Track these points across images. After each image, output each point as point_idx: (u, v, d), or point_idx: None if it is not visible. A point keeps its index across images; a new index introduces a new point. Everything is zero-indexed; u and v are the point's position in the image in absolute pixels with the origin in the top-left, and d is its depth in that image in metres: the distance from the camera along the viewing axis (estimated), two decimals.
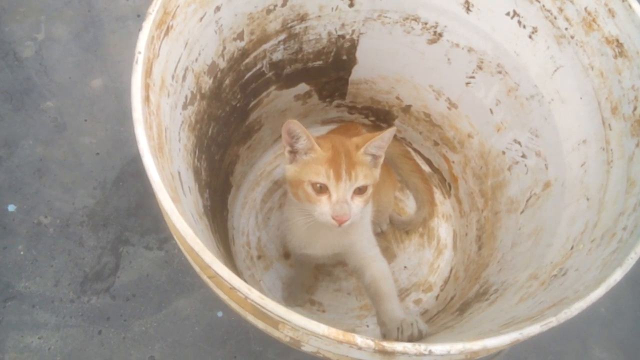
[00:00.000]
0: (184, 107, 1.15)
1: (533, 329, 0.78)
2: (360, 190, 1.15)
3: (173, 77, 1.06)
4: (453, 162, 1.78)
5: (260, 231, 1.85)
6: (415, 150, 1.94)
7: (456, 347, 0.75)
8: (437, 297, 1.79)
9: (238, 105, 1.48)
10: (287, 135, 1.16)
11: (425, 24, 1.40)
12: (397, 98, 1.74)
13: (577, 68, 1.16)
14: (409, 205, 1.92)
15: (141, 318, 1.78)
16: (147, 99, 0.90)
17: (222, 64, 1.28)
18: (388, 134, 1.15)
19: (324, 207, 1.13)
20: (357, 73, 1.65)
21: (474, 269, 1.60)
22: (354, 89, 1.74)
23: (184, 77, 1.12)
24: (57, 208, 1.90)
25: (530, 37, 1.24)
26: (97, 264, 1.83)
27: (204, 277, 0.95)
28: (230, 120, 1.48)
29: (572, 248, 1.07)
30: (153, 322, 1.78)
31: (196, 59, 1.15)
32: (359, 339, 0.74)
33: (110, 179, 1.95)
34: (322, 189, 1.14)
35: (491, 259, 1.50)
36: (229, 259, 1.70)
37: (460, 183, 1.79)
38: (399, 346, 0.74)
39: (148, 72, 0.91)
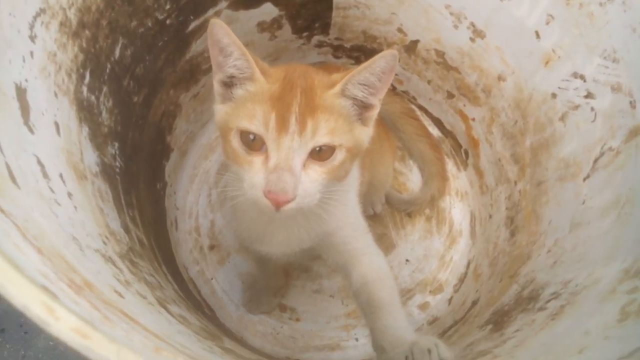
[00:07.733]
0: None
1: None
2: (321, 155, 0.69)
3: None
4: (473, 119, 1.32)
5: (214, 213, 1.40)
6: (420, 107, 1.47)
7: None
8: (449, 300, 1.34)
9: (169, 21, 1.01)
10: (215, 47, 0.69)
11: None
12: (400, 30, 1.27)
13: None
14: (412, 180, 1.46)
15: None
16: None
17: None
18: (382, 60, 0.69)
19: (255, 176, 0.68)
20: None
21: (507, 264, 1.14)
22: (341, 18, 1.27)
23: None
24: None
25: None
26: None
27: None
28: (156, 43, 1.01)
29: None
30: None
31: None
32: None
33: None
34: (255, 143, 0.68)
35: (534, 247, 1.05)
36: (167, 248, 1.23)
37: (482, 148, 1.32)
38: None
39: None
